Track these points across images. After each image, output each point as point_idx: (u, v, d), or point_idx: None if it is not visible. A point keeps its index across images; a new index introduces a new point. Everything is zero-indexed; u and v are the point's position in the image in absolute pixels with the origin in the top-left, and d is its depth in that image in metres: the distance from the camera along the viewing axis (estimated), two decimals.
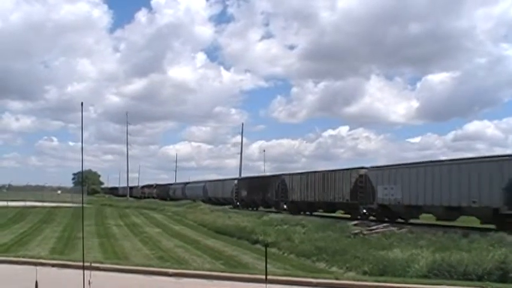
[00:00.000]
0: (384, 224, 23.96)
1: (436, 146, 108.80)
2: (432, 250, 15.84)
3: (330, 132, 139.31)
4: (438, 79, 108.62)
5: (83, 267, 5.93)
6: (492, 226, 20.42)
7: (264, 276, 9.60)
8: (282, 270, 14.51)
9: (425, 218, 26.18)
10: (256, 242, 23.29)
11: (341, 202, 31.13)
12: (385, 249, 17.10)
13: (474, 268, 12.67)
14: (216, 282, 11.40)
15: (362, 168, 29.80)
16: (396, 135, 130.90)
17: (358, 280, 12.00)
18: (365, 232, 22.17)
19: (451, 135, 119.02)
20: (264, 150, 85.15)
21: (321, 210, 34.76)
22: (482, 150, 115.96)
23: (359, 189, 28.74)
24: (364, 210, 28.43)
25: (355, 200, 29.12)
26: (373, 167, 29.38)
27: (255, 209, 45.20)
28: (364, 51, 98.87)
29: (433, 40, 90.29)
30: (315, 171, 36.16)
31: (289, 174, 39.97)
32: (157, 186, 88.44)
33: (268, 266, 11.06)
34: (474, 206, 21.26)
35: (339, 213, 33.47)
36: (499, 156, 21.59)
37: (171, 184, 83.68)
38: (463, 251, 15.06)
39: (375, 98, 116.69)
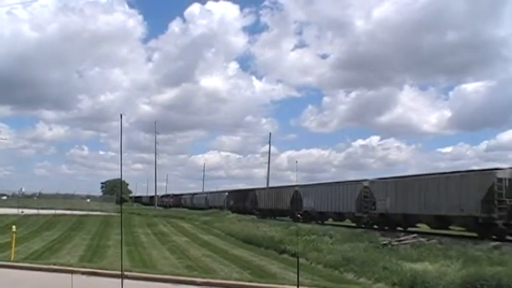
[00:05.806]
0: (413, 235, 23.68)
1: (468, 156, 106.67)
2: (463, 262, 15.55)
3: (361, 142, 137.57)
4: (472, 88, 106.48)
5: (121, 276, 6.01)
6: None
7: (293, 287, 9.56)
8: (310, 280, 14.40)
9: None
10: (283, 251, 23.19)
11: (285, 209, 44.70)
12: (414, 260, 16.85)
13: (508, 281, 12.35)
14: None
15: (297, 185, 42.00)
16: (427, 145, 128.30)
17: None
18: (394, 243, 21.89)
19: (483, 145, 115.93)
20: (296, 161, 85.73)
21: (278, 217, 45.22)
22: None
23: (294, 200, 42.07)
24: (298, 215, 39.86)
25: (292, 208, 42.16)
26: (303, 185, 42.83)
27: (241, 214, 53.51)
28: (398, 60, 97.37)
29: (470, 49, 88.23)
30: (273, 187, 53.45)
31: (258, 189, 56.00)
32: (173, 196, 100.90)
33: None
34: (344, 212, 34.83)
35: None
36: (354, 180, 35.76)
37: (182, 194, 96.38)
38: (495, 263, 14.73)
39: (407, 108, 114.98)
